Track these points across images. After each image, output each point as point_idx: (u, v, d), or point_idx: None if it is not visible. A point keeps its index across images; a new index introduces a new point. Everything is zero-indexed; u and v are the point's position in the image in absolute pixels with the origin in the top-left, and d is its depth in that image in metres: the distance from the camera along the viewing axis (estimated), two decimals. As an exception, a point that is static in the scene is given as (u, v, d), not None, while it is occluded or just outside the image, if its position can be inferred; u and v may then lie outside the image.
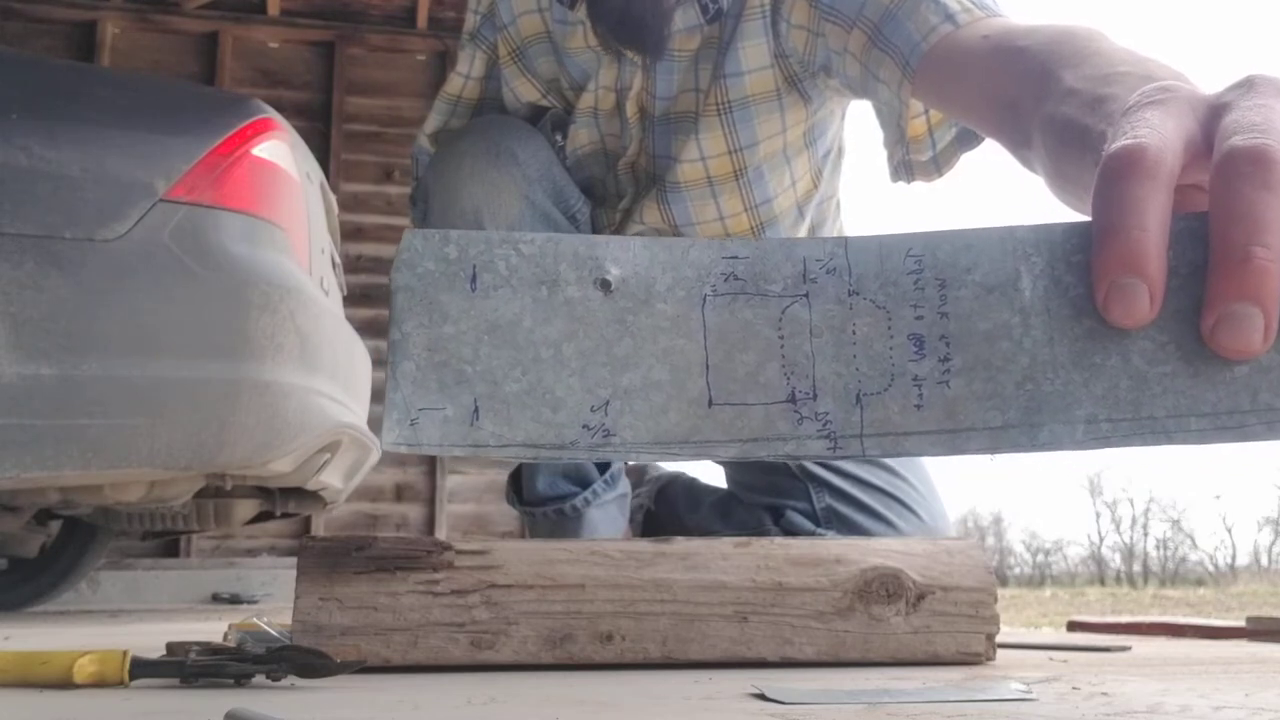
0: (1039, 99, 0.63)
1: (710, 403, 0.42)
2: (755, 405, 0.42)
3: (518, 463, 1.22)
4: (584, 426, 0.42)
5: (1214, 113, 0.42)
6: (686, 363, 0.42)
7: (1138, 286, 0.39)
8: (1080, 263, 0.41)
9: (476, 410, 0.42)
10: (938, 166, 0.97)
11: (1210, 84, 0.45)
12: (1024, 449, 0.41)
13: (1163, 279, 0.39)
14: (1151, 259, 0.38)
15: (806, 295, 0.42)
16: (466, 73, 1.20)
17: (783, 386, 0.42)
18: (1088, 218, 0.41)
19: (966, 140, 0.96)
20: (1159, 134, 0.41)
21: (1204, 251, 0.39)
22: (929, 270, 0.42)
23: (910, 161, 0.97)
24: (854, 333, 0.42)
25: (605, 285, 0.42)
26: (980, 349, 0.41)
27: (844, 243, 0.43)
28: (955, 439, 0.41)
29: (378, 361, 2.56)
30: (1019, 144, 0.70)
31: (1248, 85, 0.42)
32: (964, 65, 0.83)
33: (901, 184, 1.00)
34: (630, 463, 1.39)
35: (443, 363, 0.42)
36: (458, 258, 0.42)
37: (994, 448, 0.41)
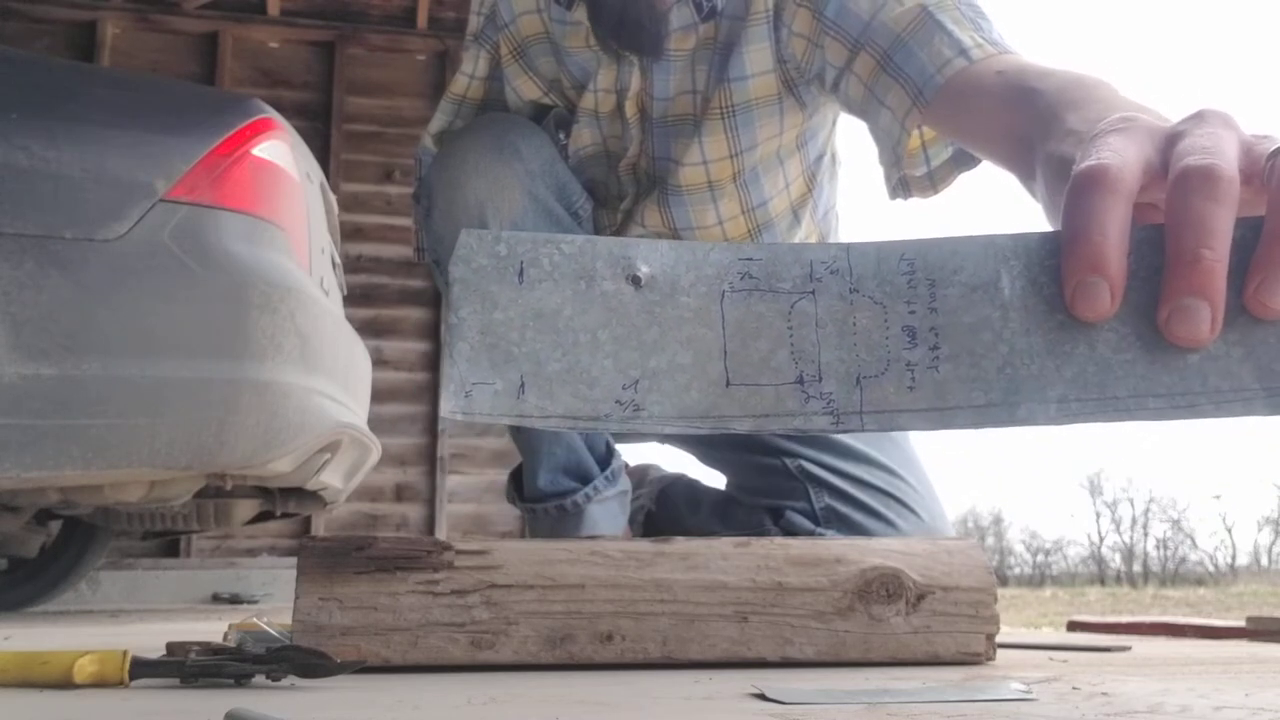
0: (1045, 138, 0.67)
1: (728, 383, 0.47)
2: (767, 386, 0.47)
3: (559, 430, 1.23)
4: (617, 402, 0.47)
5: (1169, 140, 0.47)
6: (707, 349, 0.47)
7: (1100, 285, 0.44)
8: (1053, 266, 0.46)
9: (523, 385, 0.47)
10: (933, 183, 0.98)
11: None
12: (1004, 424, 0.46)
13: (1122, 278, 0.44)
14: (1112, 261, 0.44)
15: (813, 292, 0.47)
16: (471, 73, 1.21)
17: (792, 370, 0.47)
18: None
19: (964, 161, 0.96)
20: (1120, 155, 0.46)
21: (1161, 257, 0.44)
22: (921, 272, 0.47)
23: (906, 178, 0.98)
24: (854, 325, 0.47)
25: (636, 281, 0.47)
26: (965, 339, 0.46)
27: (846, 248, 0.48)
28: (944, 415, 0.46)
29: (377, 362, 2.56)
30: (1027, 177, 0.73)
31: (1199, 117, 0.48)
32: (977, 99, 0.84)
33: (899, 200, 1.01)
34: (658, 436, 1.40)
35: (493, 344, 0.47)
36: (507, 254, 0.47)
37: (978, 423, 0.46)
